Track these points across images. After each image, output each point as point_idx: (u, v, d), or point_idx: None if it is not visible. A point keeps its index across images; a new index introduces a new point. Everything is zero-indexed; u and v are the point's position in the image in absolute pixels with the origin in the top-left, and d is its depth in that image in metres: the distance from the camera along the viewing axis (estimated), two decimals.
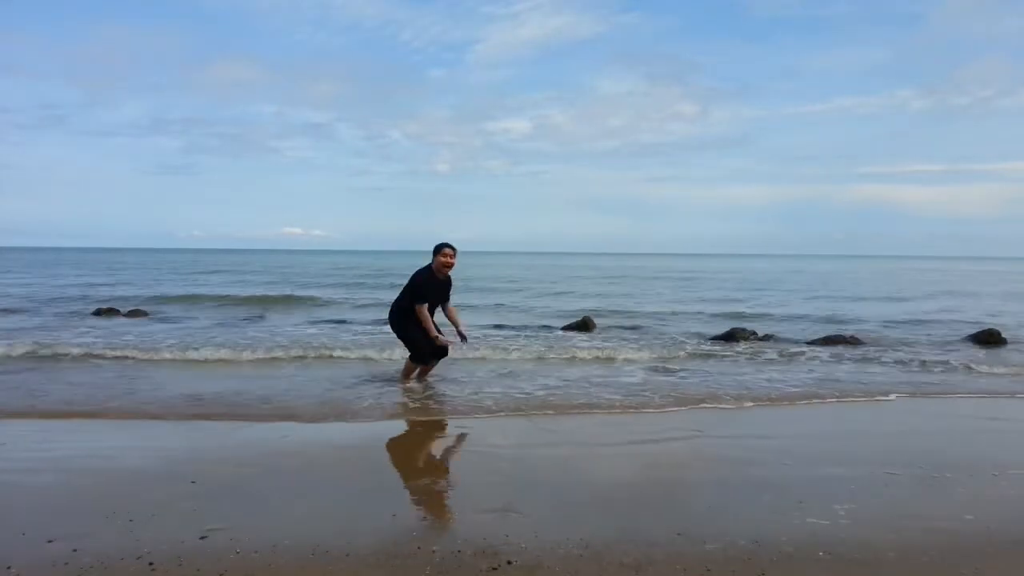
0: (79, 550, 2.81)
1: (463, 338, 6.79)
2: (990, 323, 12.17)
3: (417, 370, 6.76)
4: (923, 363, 8.45)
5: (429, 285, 6.45)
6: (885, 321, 13.61)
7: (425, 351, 6.57)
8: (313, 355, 8.20)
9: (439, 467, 4.26)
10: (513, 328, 11.88)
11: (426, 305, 6.46)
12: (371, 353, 8.42)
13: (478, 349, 7.91)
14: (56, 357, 8.05)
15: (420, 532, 3.08)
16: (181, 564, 2.69)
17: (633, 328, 12.18)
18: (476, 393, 6.32)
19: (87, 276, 28.56)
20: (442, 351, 6.70)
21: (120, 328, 11.02)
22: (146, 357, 8.09)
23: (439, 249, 6.45)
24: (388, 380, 6.85)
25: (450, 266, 6.47)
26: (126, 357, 8.05)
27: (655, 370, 7.81)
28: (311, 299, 17.68)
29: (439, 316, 6.72)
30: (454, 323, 6.80)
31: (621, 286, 26.39)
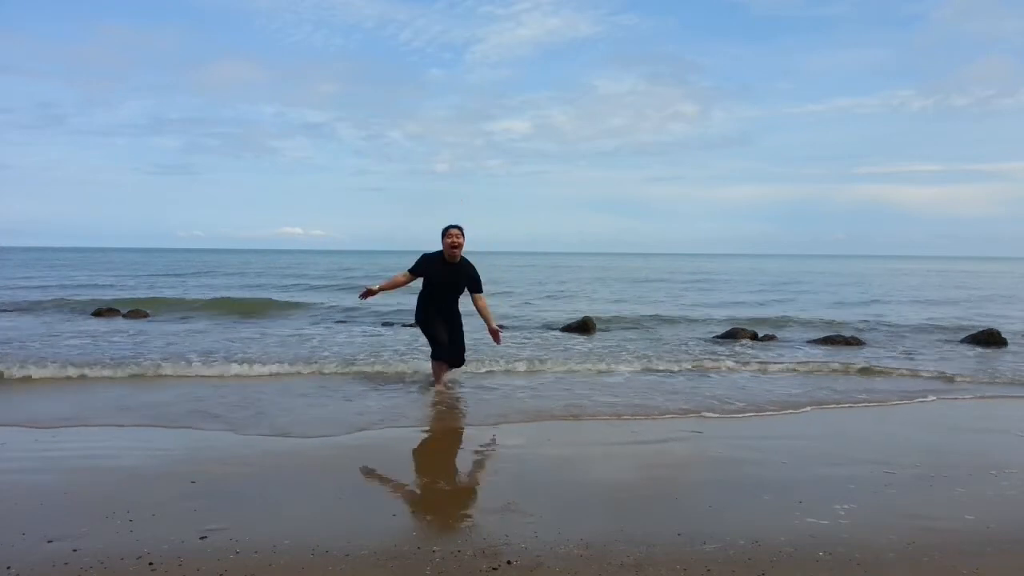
0: (79, 550, 2.81)
1: (494, 337, 6.38)
2: (990, 323, 12.17)
3: (441, 371, 6.44)
4: (922, 363, 8.45)
5: (430, 263, 6.20)
6: (884, 321, 13.60)
7: (436, 341, 6.32)
8: (311, 357, 8.19)
9: (439, 467, 4.26)
10: (512, 329, 11.87)
11: (423, 287, 6.30)
12: (368, 356, 8.41)
13: (512, 362, 7.35)
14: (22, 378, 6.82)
15: (420, 532, 3.08)
16: (181, 564, 2.69)
17: (633, 329, 12.18)
18: (474, 394, 6.32)
19: (87, 276, 28.51)
20: (456, 357, 6.42)
21: (118, 330, 11.00)
22: (138, 372, 7.08)
23: (444, 231, 6.14)
24: (386, 382, 6.86)
25: (458, 246, 6.13)
26: (112, 378, 6.92)
27: (654, 371, 7.81)
28: (309, 300, 17.67)
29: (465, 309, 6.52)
30: (485, 319, 6.34)
31: (621, 286, 26.38)
